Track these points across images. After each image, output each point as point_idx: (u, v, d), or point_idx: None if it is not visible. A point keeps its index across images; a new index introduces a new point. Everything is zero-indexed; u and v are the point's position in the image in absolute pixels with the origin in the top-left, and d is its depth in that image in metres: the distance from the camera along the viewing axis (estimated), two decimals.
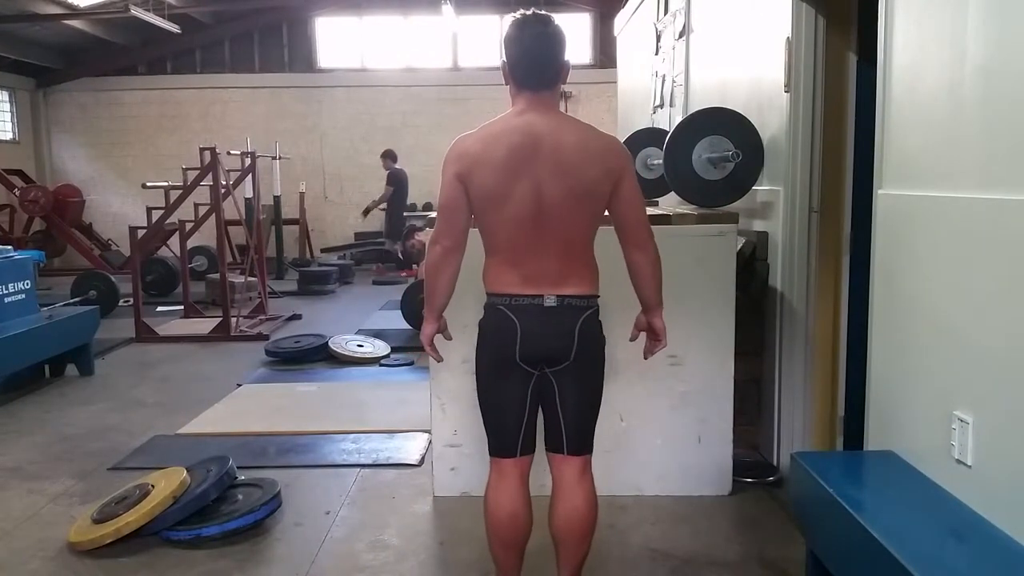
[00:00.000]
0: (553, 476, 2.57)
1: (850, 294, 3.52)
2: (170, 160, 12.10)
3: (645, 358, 2.70)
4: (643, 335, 2.68)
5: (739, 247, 3.72)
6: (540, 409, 2.53)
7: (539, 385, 2.48)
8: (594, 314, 2.46)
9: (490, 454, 2.57)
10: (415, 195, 13.51)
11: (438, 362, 2.81)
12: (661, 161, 4.14)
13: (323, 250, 13.09)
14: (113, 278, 8.83)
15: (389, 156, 11.61)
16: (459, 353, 3.06)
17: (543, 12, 2.41)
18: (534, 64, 2.39)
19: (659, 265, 2.51)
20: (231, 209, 8.38)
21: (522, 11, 2.41)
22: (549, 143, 2.33)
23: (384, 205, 11.65)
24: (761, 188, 3.89)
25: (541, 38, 2.38)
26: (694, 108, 4.67)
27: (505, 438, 2.51)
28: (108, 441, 4.57)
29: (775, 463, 3.79)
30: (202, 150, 7.88)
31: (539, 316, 2.39)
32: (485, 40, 13.28)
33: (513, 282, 2.41)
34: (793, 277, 3.64)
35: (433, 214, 2.53)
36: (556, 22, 2.41)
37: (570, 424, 2.50)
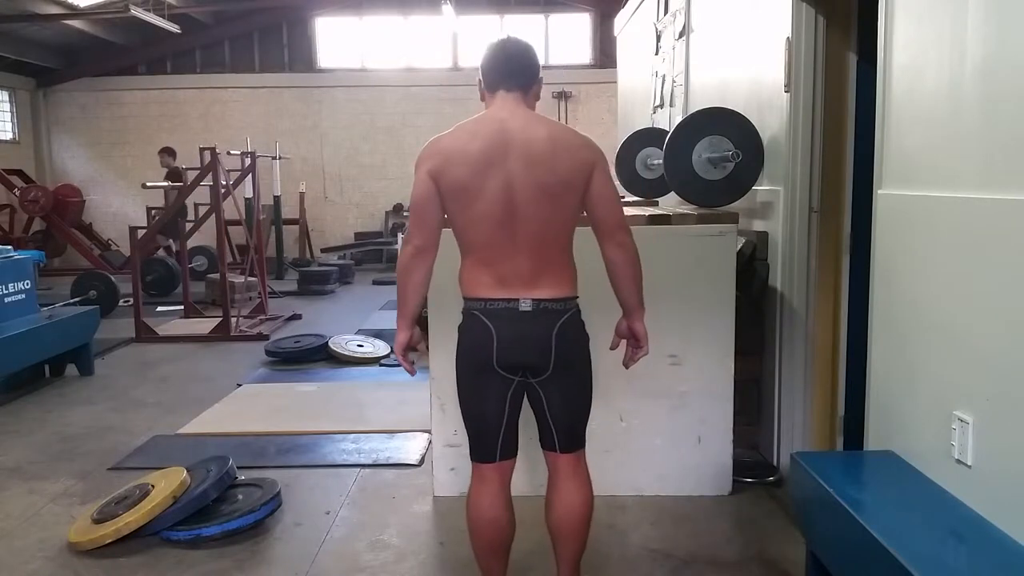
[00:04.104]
0: (548, 470, 2.57)
1: (850, 294, 3.52)
2: None
3: (626, 367, 2.64)
4: (624, 342, 2.63)
5: (739, 247, 3.72)
6: (524, 410, 2.50)
7: (523, 389, 2.46)
8: (572, 316, 2.42)
9: (471, 459, 2.55)
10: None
11: (411, 375, 2.65)
12: (661, 161, 4.14)
13: (323, 250, 13.11)
14: (113, 278, 8.83)
15: (169, 153, 11.03)
16: None
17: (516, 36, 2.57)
18: (506, 66, 2.46)
19: (638, 264, 2.48)
20: (231, 209, 8.39)
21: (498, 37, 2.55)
22: (520, 138, 2.34)
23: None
24: (761, 188, 3.89)
25: (515, 44, 2.51)
26: (694, 108, 4.67)
27: (485, 443, 2.49)
28: (108, 441, 4.57)
29: (775, 463, 3.79)
30: (202, 150, 7.88)
31: (514, 322, 2.36)
32: (485, 40, 13.24)
33: (487, 284, 2.38)
34: (793, 277, 3.63)
35: None
36: (527, 42, 2.56)
37: (560, 427, 2.49)
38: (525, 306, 2.36)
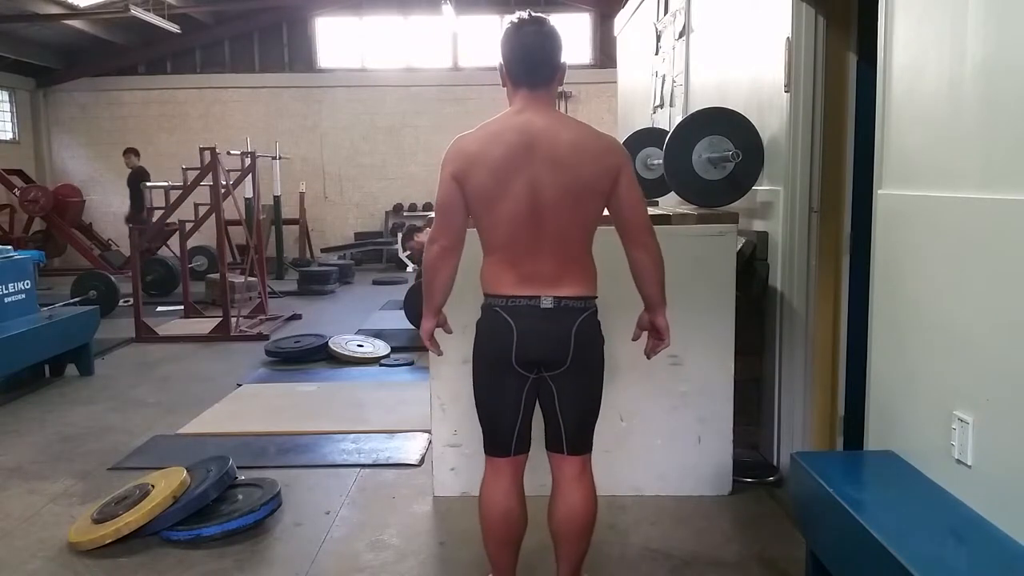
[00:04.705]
0: (553, 474, 2.58)
1: (850, 294, 3.52)
2: (170, 160, 12.10)
3: (648, 357, 2.68)
4: (645, 334, 2.67)
5: (739, 247, 3.72)
6: (537, 407, 2.53)
7: (537, 387, 2.47)
8: (591, 316, 2.45)
9: (485, 452, 2.58)
10: (416, 195, 13.56)
11: (438, 355, 2.82)
12: (661, 161, 4.14)
13: (323, 250, 13.11)
14: (113, 278, 8.83)
15: (134, 153, 11.25)
16: (459, 353, 3.07)
17: (538, 14, 2.43)
18: (530, 61, 2.40)
19: (661, 263, 2.50)
20: (231, 209, 8.39)
21: (519, 14, 2.42)
22: (546, 141, 2.33)
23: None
24: (761, 188, 3.89)
25: (537, 35, 2.39)
26: (694, 108, 4.67)
27: (500, 437, 2.52)
28: (108, 441, 4.57)
29: (775, 463, 3.79)
30: (202, 150, 7.88)
31: (535, 318, 2.38)
32: (485, 40, 13.27)
33: (510, 282, 2.40)
34: (793, 277, 3.63)
35: (433, 214, 2.54)
36: (552, 23, 2.43)
37: (570, 427, 2.50)
38: (547, 303, 2.38)
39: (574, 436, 2.51)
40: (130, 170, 11.05)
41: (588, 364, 2.47)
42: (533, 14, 2.42)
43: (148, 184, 9.53)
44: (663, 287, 2.53)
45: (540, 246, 2.37)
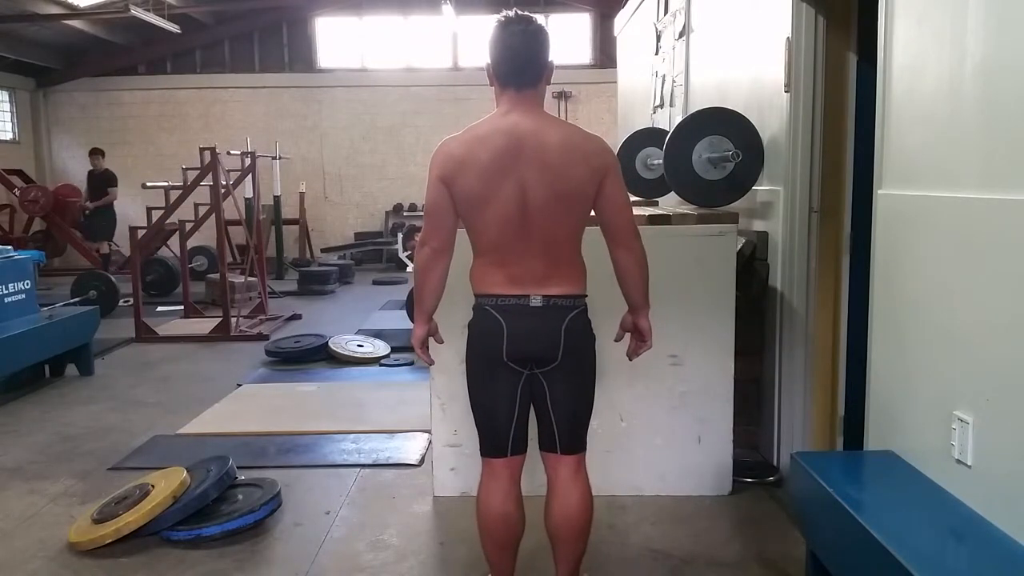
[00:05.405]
0: (548, 475, 2.58)
1: (850, 294, 3.52)
2: (170, 160, 12.11)
3: (630, 359, 2.68)
4: (628, 335, 2.66)
5: (739, 247, 3.72)
6: (532, 408, 2.52)
7: (529, 385, 2.47)
8: (581, 313, 2.45)
9: (481, 454, 2.57)
10: (416, 195, 13.55)
11: (429, 365, 2.82)
12: (661, 161, 4.14)
13: (323, 250, 13.11)
14: (113, 278, 8.83)
15: (100, 154, 11.26)
16: (458, 353, 3.06)
17: (525, 12, 2.41)
18: (516, 62, 2.39)
19: (645, 265, 2.50)
20: (231, 209, 8.39)
21: (504, 12, 2.41)
22: (533, 143, 2.33)
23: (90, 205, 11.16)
24: (761, 188, 3.89)
25: (523, 35, 2.38)
26: (694, 108, 4.67)
27: (496, 438, 2.51)
28: (108, 441, 4.57)
29: (775, 463, 3.80)
30: (202, 150, 7.88)
31: (525, 316, 2.39)
32: (485, 40, 13.25)
33: (499, 282, 2.40)
34: (793, 277, 3.64)
35: None
36: (539, 21, 2.42)
37: (562, 424, 2.50)
38: (536, 302, 2.39)
39: (567, 434, 2.51)
40: (93, 170, 11.03)
41: (579, 361, 2.47)
42: (519, 12, 2.40)
43: (148, 184, 9.52)
44: (647, 289, 2.53)
45: (529, 248, 2.37)
